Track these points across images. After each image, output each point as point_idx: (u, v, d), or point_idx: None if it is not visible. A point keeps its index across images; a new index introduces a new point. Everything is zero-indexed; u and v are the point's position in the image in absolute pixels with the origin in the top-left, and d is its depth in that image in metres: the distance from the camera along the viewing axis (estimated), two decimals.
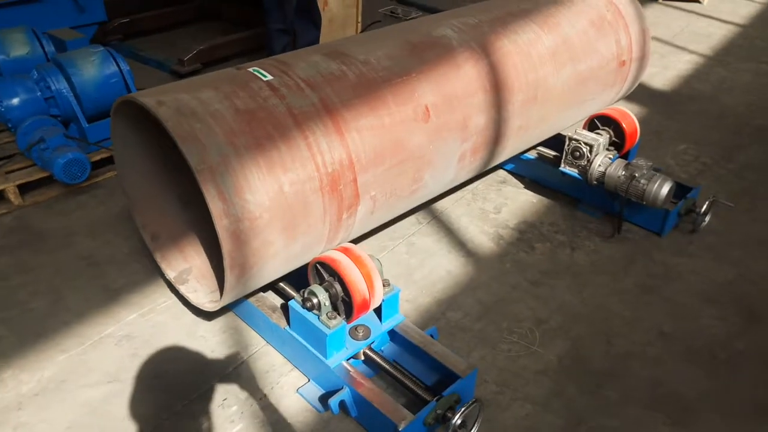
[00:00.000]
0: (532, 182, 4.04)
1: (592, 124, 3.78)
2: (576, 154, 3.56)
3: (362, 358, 2.58)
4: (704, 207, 3.48)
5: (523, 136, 3.12)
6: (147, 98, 2.09)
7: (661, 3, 8.24)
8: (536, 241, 3.51)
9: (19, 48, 4.29)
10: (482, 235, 3.56)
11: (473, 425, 2.34)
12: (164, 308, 2.97)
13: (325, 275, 2.46)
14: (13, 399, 2.50)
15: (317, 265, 2.47)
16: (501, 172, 4.18)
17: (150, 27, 6.49)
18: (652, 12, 7.81)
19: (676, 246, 3.49)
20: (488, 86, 2.80)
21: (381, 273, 2.56)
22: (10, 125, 3.83)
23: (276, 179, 2.12)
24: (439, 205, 3.83)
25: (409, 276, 3.24)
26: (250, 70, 2.33)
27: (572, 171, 3.64)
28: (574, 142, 3.54)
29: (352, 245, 2.49)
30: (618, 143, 3.70)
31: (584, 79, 3.32)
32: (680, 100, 5.35)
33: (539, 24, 3.14)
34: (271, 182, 2.11)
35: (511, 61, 2.92)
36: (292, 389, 2.58)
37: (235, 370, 2.67)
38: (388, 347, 2.71)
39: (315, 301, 2.40)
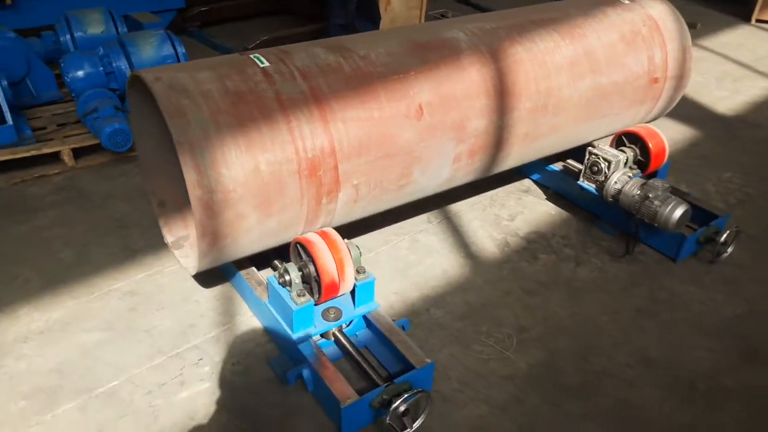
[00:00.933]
0: (555, 194, 4.00)
1: (619, 141, 3.70)
2: (594, 169, 3.50)
3: (332, 338, 2.69)
4: (724, 236, 3.32)
5: (530, 144, 3.11)
6: (148, 74, 2.30)
7: (754, 24, 7.78)
8: (542, 252, 3.48)
9: (95, 27, 4.72)
10: (489, 240, 3.58)
11: (419, 416, 2.40)
12: (171, 272, 3.21)
13: (303, 255, 2.60)
14: (23, 333, 2.81)
15: (297, 245, 2.61)
16: (526, 181, 4.16)
17: (227, 16, 6.88)
18: (740, 33, 7.41)
19: (689, 274, 3.36)
20: (492, 91, 2.83)
21: (357, 260, 2.67)
22: (74, 94, 4.23)
23: (253, 157, 2.27)
24: (454, 206, 3.87)
25: (405, 270, 3.31)
26: (251, 56, 2.50)
27: (590, 186, 3.58)
28: (593, 156, 3.48)
29: (331, 230, 2.61)
30: (643, 162, 3.60)
31: (607, 93, 3.26)
32: (742, 126, 5.07)
33: (561, 33, 3.12)
34: (247, 160, 2.26)
35: (522, 68, 2.93)
36: (264, 359, 2.73)
37: (217, 335, 2.86)
38: (363, 333, 2.81)
39: (287, 278, 2.54)
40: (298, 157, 2.36)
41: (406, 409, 2.33)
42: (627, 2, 3.51)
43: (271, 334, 2.82)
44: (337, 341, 2.67)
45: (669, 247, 3.45)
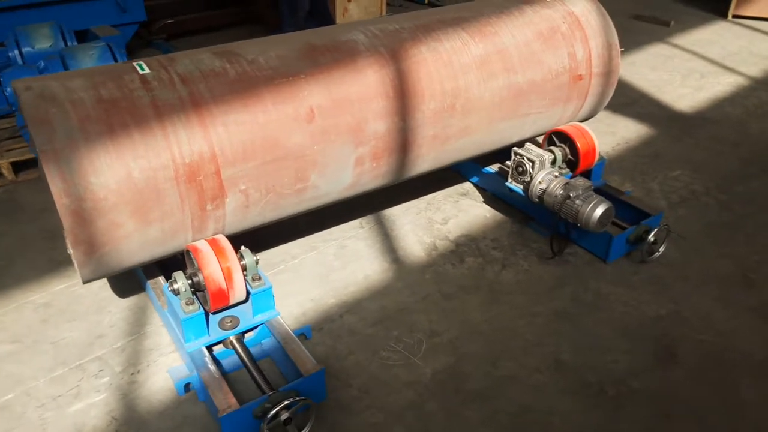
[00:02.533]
0: (492, 197, 3.94)
1: (550, 140, 3.63)
2: (520, 170, 3.43)
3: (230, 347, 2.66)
4: (653, 235, 3.24)
5: (442, 146, 3.06)
6: (20, 84, 2.30)
7: (730, 20, 7.66)
8: (469, 255, 3.42)
9: (43, 41, 4.75)
10: (417, 244, 3.52)
11: (306, 426, 2.36)
12: (91, 284, 3.19)
13: (194, 263, 2.57)
14: None
15: (188, 253, 2.59)
16: (466, 185, 4.11)
17: (193, 28, 6.92)
18: (715, 30, 7.29)
19: (618, 274, 3.27)
20: (392, 92, 2.79)
21: (252, 268, 2.63)
22: (14, 108, 4.26)
23: (124, 165, 2.25)
24: (389, 211, 3.83)
25: (326, 277, 3.27)
26: (134, 63, 2.49)
27: (517, 187, 3.51)
28: (518, 156, 3.42)
29: (221, 238, 2.58)
30: (574, 161, 3.52)
31: (524, 92, 3.20)
32: (700, 123, 4.97)
33: (471, 32, 3.07)
34: (118, 167, 2.24)
35: (425, 69, 2.88)
36: (165, 369, 2.70)
37: (123, 345, 2.83)
38: (269, 341, 2.77)
39: (176, 286, 2.51)
40: (174, 163, 2.34)
41: (289, 418, 2.28)
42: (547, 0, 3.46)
43: (174, 344, 2.79)
44: (235, 350, 2.63)
45: (599, 247, 3.37)
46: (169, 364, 2.73)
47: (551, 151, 3.49)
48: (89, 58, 4.28)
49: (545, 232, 3.55)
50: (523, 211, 3.74)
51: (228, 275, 2.49)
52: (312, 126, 2.61)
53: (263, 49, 2.68)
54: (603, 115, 5.02)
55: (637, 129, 4.86)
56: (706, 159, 4.41)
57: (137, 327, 2.94)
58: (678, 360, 2.75)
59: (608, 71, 3.51)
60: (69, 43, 4.82)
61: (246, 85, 2.52)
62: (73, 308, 3.05)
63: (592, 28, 3.41)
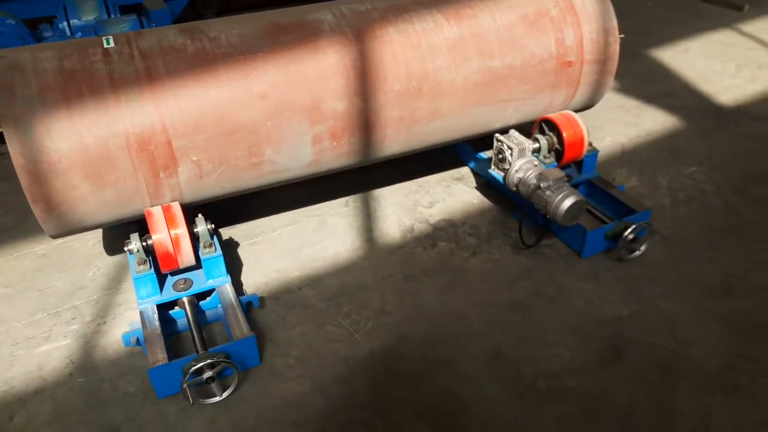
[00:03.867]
0: (486, 183, 3.89)
1: (540, 128, 3.53)
2: (500, 157, 3.37)
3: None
4: (630, 233, 3.10)
5: (411, 128, 3.06)
6: None
7: None
8: (443, 240, 3.42)
9: (89, 13, 5.11)
10: (395, 225, 3.56)
11: (228, 387, 2.50)
12: (88, 239, 3.48)
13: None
14: None
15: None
16: (464, 169, 4.07)
17: (248, 3, 7.13)
18: None
19: (590, 270, 3.17)
20: (352, 72, 2.82)
21: (205, 236, 2.78)
22: None
23: (77, 131, 2.45)
24: (378, 191, 3.88)
25: (298, 250, 3.38)
26: (103, 38, 2.67)
27: (499, 174, 3.45)
28: (498, 143, 3.35)
29: (174, 205, 2.74)
30: (560, 151, 3.42)
31: (502, 77, 3.13)
32: (736, 118, 4.62)
33: (446, 15, 3.03)
34: (72, 133, 2.44)
35: (390, 50, 2.89)
36: (128, 322, 2.92)
37: (98, 298, 3.09)
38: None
39: (130, 247, 2.71)
40: (126, 133, 2.51)
41: (212, 377, 2.43)
42: None
43: None
44: (184, 310, 2.80)
45: (575, 241, 3.28)
46: (132, 318, 2.95)
47: (536, 140, 3.40)
48: (120, 30, 4.58)
49: (528, 222, 3.48)
50: (511, 199, 3.68)
51: (176, 241, 2.65)
52: (265, 102, 2.70)
53: (229, 28, 2.79)
54: (631, 105, 4.79)
55: (664, 121, 4.60)
56: (729, 157, 4.12)
57: (115, 283, 3.18)
58: (622, 362, 2.66)
59: (604, 58, 3.36)
60: (113, 16, 5.16)
61: (202, 62, 2.65)
62: (65, 261, 3.34)
63: (587, 13, 3.27)
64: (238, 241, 3.47)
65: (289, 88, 2.73)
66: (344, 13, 2.94)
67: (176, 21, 6.01)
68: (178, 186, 2.73)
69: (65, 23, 5.10)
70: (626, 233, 3.11)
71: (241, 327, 2.61)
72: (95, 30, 4.58)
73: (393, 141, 3.10)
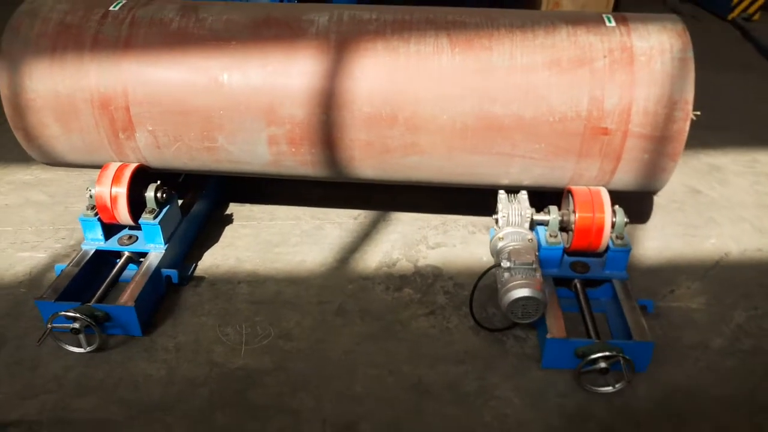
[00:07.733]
0: None
1: (567, 201, 2.89)
2: (496, 218, 2.86)
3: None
4: (599, 359, 2.40)
5: (381, 156, 2.73)
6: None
7: None
8: (412, 288, 3.05)
9: None
10: (380, 255, 3.28)
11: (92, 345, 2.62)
12: (89, 173, 3.81)
13: None
14: None
15: None
16: None
17: None
18: None
19: (537, 385, 2.55)
20: (317, 83, 2.62)
21: (151, 202, 2.91)
22: None
23: (52, 78, 2.71)
24: (396, 215, 3.61)
25: (273, 246, 3.33)
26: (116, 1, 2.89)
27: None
28: (498, 203, 2.84)
29: (129, 166, 2.89)
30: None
31: (501, 127, 2.60)
32: None
33: (455, 41, 2.60)
34: (48, 78, 2.71)
35: (369, 68, 2.60)
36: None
37: None
38: None
39: (87, 194, 2.94)
40: (91, 89, 2.72)
41: (78, 330, 2.57)
42: (612, 24, 2.66)
43: None
44: (119, 265, 2.98)
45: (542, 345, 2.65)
46: None
47: (548, 212, 2.80)
48: None
49: None
50: None
51: (114, 198, 2.82)
52: (221, 92, 2.67)
53: (222, 12, 2.80)
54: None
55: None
56: None
57: None
58: None
59: (661, 136, 2.58)
60: None
61: (177, 39, 2.71)
62: (64, 192, 3.79)
63: (651, 74, 2.53)
64: (234, 220, 3.54)
65: (248, 83, 2.66)
66: (343, 18, 2.73)
67: None
68: (139, 150, 2.87)
69: None
70: (596, 356, 2.42)
71: (132, 296, 2.66)
72: None
73: (364, 165, 2.83)
